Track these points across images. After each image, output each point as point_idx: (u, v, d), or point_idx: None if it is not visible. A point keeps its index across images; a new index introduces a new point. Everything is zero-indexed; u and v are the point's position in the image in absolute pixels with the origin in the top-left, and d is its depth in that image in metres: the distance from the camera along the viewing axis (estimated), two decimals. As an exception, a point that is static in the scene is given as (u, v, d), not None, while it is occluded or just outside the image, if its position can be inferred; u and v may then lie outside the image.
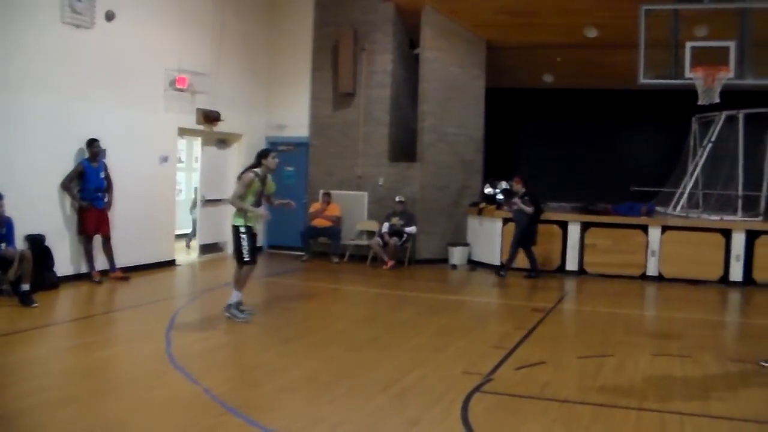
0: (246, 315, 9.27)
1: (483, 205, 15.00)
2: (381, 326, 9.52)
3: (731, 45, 12.03)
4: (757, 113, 14.21)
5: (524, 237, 13.49)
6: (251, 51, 15.82)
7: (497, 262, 14.35)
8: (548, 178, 17.70)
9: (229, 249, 15.50)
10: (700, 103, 12.20)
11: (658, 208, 15.31)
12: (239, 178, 9.21)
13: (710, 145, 14.86)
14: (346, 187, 15.52)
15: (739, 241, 13.23)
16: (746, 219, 13.87)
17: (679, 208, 14.95)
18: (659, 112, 16.48)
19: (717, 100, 12.05)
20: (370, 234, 15.14)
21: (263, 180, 9.22)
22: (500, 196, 15.02)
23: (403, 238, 14.50)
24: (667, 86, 12.85)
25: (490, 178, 15.65)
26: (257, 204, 9.23)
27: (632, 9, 12.44)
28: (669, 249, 13.56)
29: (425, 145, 15.20)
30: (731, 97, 12.75)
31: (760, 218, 14.09)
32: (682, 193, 15.13)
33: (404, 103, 15.83)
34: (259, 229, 10.36)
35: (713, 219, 13.93)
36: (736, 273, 13.23)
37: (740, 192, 14.23)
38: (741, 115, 14.37)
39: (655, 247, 13.63)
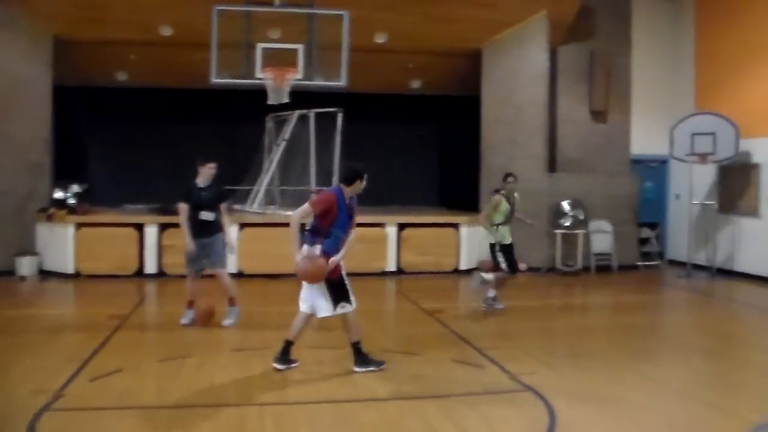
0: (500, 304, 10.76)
1: (53, 210, 13.94)
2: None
3: (300, 48, 12.65)
4: (327, 112, 15.08)
5: None
6: None
7: (71, 270, 13.59)
8: (124, 180, 17.13)
9: None
10: (270, 102, 12.73)
11: (236, 206, 15.52)
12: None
13: (284, 143, 15.46)
14: None
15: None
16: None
17: (256, 204, 15.32)
18: (236, 112, 16.64)
19: (287, 99, 12.63)
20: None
21: (509, 199, 10.59)
22: (72, 201, 14.15)
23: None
24: (239, 86, 13.15)
25: (62, 181, 14.62)
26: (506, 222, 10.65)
27: (206, 9, 12.53)
28: (248, 245, 13.82)
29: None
30: (303, 97, 13.42)
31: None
32: (258, 190, 15.53)
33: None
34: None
35: (289, 214, 14.43)
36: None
37: (313, 187, 14.97)
38: (312, 114, 15.13)
39: (234, 245, 13.76)
